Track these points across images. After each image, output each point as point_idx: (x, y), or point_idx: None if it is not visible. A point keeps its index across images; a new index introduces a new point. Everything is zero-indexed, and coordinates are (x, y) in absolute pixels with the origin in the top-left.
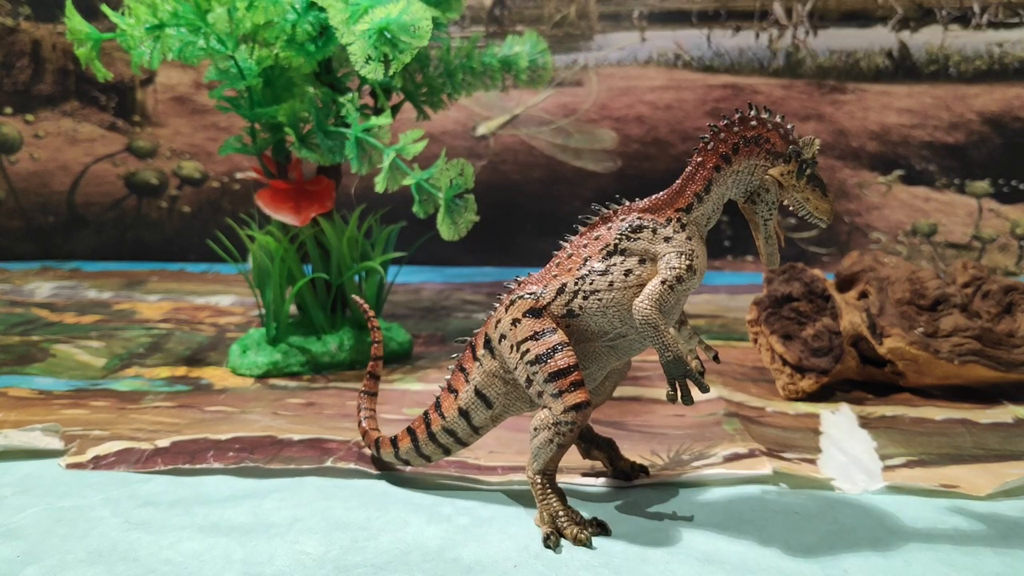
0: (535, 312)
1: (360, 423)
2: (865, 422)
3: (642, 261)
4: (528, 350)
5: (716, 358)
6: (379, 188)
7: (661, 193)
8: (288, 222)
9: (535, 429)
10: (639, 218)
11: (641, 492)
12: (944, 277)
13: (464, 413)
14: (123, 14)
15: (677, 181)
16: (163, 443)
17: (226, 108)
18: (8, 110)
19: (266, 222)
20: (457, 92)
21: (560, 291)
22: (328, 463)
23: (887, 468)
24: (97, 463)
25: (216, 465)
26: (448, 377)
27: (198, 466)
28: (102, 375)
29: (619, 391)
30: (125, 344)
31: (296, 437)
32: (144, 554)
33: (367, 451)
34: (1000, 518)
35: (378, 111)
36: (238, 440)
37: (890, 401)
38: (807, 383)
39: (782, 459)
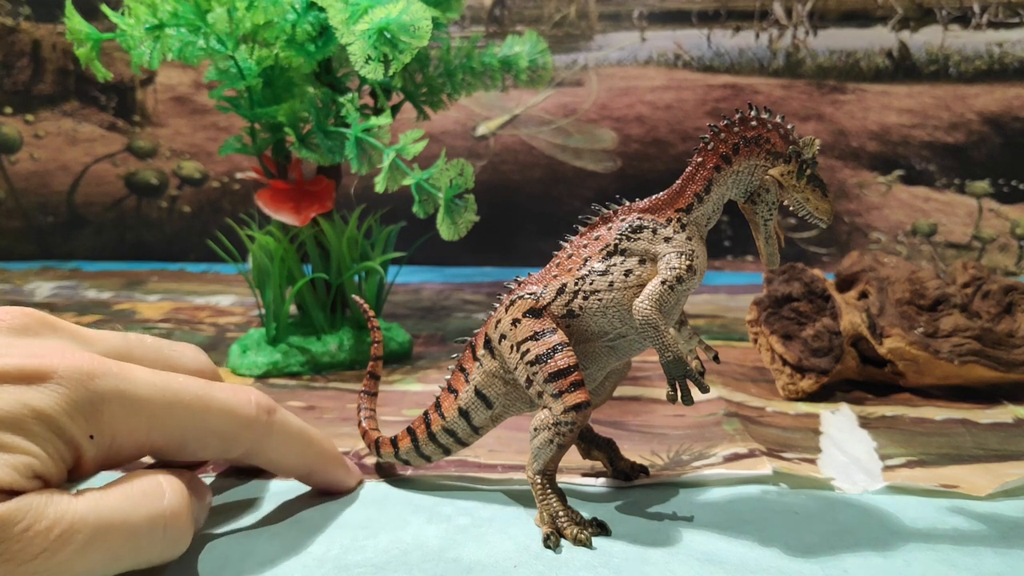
0: (535, 312)
1: (360, 423)
2: (865, 422)
3: (642, 261)
4: (528, 350)
5: (716, 358)
6: (379, 188)
7: (661, 193)
8: (288, 222)
9: (535, 429)
10: (639, 218)
11: (641, 492)
12: (944, 277)
13: (464, 413)
14: (123, 14)
15: (677, 181)
16: None
17: (226, 108)
18: (8, 110)
19: (266, 222)
20: (457, 92)
21: (560, 291)
22: None
23: (887, 468)
24: None
25: (213, 475)
26: (448, 377)
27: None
28: None
29: (619, 391)
30: None
31: None
32: None
33: (367, 461)
34: (1000, 518)
35: (378, 111)
36: None
37: (890, 401)
38: (807, 383)
39: (782, 459)
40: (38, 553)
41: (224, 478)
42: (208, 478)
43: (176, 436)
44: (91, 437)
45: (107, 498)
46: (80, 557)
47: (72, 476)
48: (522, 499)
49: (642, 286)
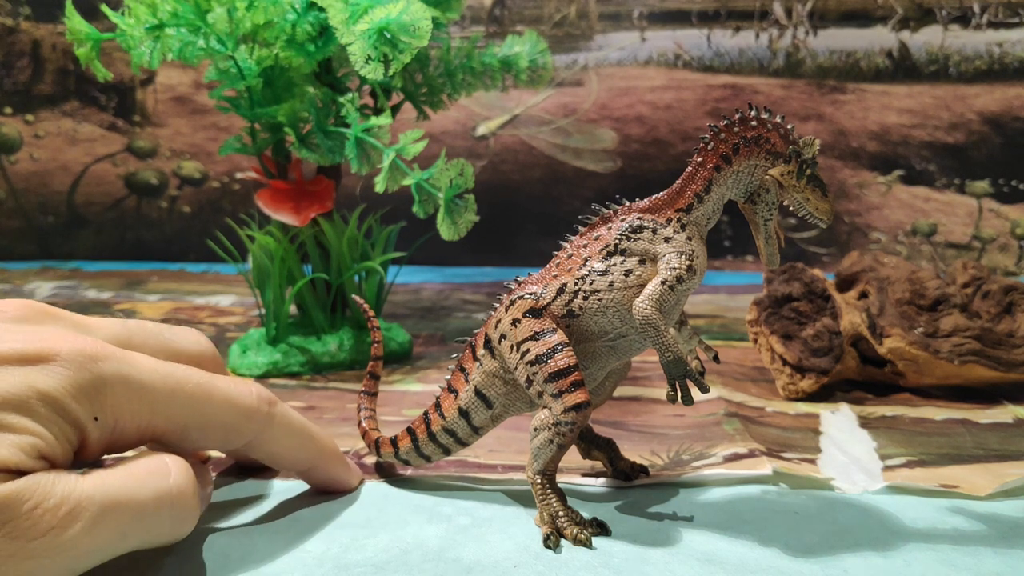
0: (535, 312)
1: (360, 423)
2: (865, 422)
3: (642, 261)
4: (528, 350)
5: (716, 358)
6: (379, 188)
7: (661, 193)
8: (288, 222)
9: (535, 429)
10: (639, 218)
11: (641, 492)
12: (944, 277)
13: (464, 413)
14: (123, 14)
15: (677, 181)
16: None
17: (226, 108)
18: (8, 110)
19: (266, 222)
20: (457, 92)
21: (560, 291)
22: None
23: (887, 468)
24: None
25: (214, 474)
26: (448, 377)
27: None
28: None
29: (619, 391)
30: None
31: None
32: (142, 552)
33: (367, 460)
34: (1000, 518)
35: (378, 111)
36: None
37: (890, 401)
38: (807, 383)
39: (782, 459)
40: (47, 531)
41: (224, 476)
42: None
43: (178, 423)
44: (95, 419)
45: (113, 476)
46: (88, 534)
47: (77, 459)
48: (522, 499)
49: (642, 286)
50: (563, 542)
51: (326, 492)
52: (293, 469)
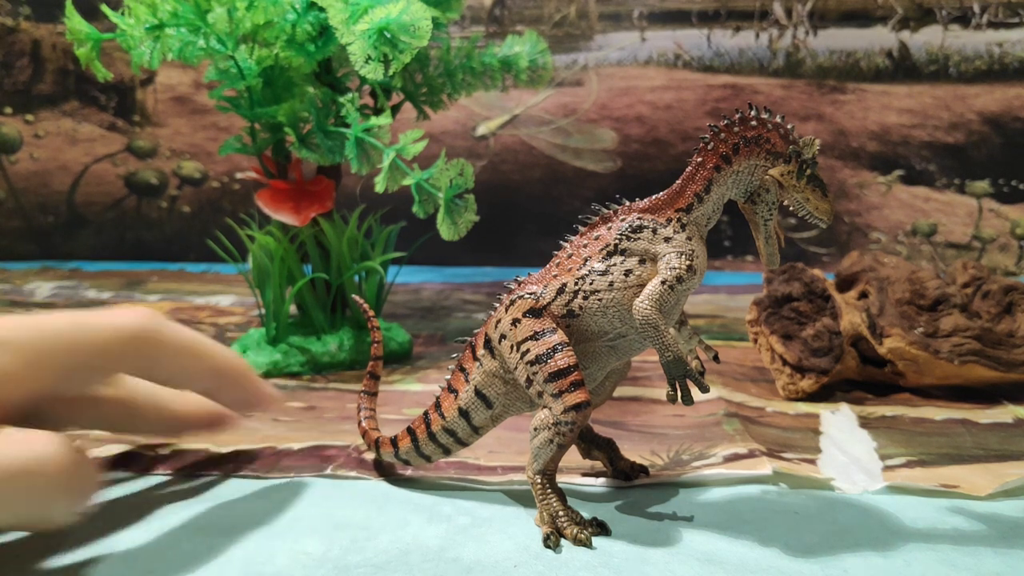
0: (535, 312)
1: (360, 423)
2: (865, 422)
3: (642, 261)
4: (528, 350)
5: (716, 358)
6: (379, 188)
7: (661, 193)
8: (288, 222)
9: (535, 429)
10: (639, 218)
11: (641, 492)
12: (944, 277)
13: (464, 413)
14: (123, 14)
15: (677, 181)
16: (164, 451)
17: (226, 108)
18: (8, 110)
19: (266, 222)
20: (457, 92)
21: (560, 291)
22: (328, 471)
23: (887, 468)
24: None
25: (216, 473)
26: (448, 377)
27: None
28: None
29: (619, 391)
30: None
31: (296, 446)
32: (143, 554)
33: (367, 456)
34: (1000, 518)
35: (378, 111)
36: (238, 453)
37: (890, 401)
38: (807, 383)
39: (782, 459)
40: None
41: (223, 476)
42: (209, 477)
43: (61, 366)
44: None
45: None
46: None
47: None
48: (522, 499)
49: (642, 286)
50: (563, 542)
51: (244, 411)
52: (196, 389)
